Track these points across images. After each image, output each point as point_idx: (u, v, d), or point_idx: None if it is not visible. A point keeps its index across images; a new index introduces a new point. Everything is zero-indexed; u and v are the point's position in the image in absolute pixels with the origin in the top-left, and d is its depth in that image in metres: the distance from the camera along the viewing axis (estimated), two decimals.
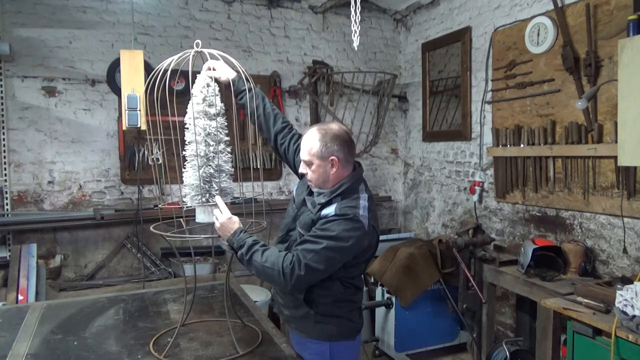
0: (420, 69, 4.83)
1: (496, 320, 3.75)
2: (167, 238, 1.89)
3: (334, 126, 1.85)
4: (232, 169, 1.90)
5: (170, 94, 1.78)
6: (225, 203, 1.85)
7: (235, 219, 1.82)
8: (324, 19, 4.82)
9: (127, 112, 3.08)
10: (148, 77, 1.86)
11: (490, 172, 3.94)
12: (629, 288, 2.13)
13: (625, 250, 2.90)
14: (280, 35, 4.65)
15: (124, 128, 3.16)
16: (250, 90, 2.00)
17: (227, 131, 1.88)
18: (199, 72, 1.91)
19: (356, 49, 2.48)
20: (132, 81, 3.11)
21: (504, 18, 3.75)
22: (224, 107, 1.88)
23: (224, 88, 2.00)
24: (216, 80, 1.92)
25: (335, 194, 1.82)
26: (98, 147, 4.06)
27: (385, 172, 5.22)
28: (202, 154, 1.81)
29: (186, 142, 1.84)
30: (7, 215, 3.75)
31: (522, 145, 3.51)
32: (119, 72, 3.33)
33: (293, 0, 4.66)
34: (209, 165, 1.82)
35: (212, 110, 1.84)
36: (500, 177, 3.77)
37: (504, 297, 3.85)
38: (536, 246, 2.98)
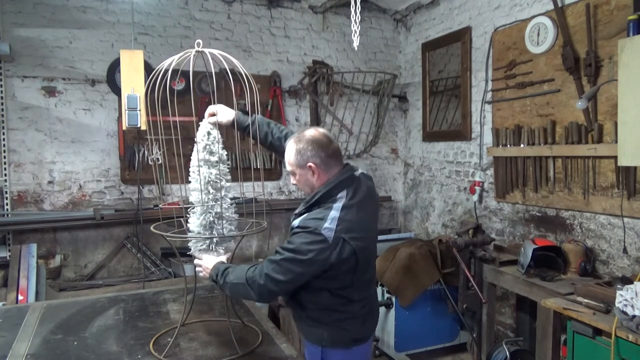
0: (420, 69, 4.83)
1: (496, 320, 3.75)
2: (167, 238, 1.90)
3: (308, 132, 1.81)
4: (234, 215, 1.94)
5: (170, 94, 1.79)
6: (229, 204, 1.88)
7: (213, 257, 1.87)
8: (324, 19, 4.82)
9: (127, 112, 3.08)
10: (148, 77, 1.86)
11: (490, 172, 3.94)
12: (629, 288, 2.13)
13: (625, 250, 2.90)
14: (280, 35, 4.65)
15: (124, 128, 3.16)
16: (254, 122, 2.03)
17: (228, 177, 1.92)
18: (200, 72, 1.92)
19: (356, 49, 2.49)
20: (132, 81, 3.11)
21: (504, 18, 3.75)
22: (225, 154, 1.93)
23: (225, 129, 2.07)
24: (219, 124, 1.97)
25: (309, 203, 1.80)
26: (98, 147, 4.06)
27: (385, 172, 5.22)
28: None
29: (189, 189, 1.89)
30: (7, 215, 3.74)
31: (522, 145, 3.51)
32: (119, 72, 3.32)
33: (293, 0, 4.66)
34: (209, 213, 1.85)
35: (214, 158, 1.87)
36: (500, 177, 3.77)
37: (504, 297, 3.85)
38: (536, 246, 2.98)
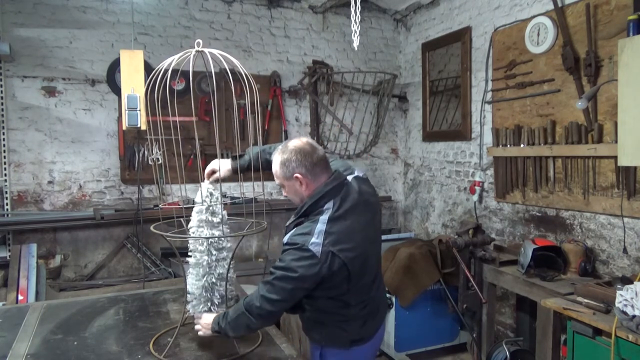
0: (420, 69, 4.83)
1: (496, 320, 3.75)
2: (167, 238, 1.90)
3: (291, 142, 1.80)
4: (234, 276, 1.94)
5: (170, 94, 1.79)
6: (226, 204, 1.88)
7: (211, 314, 1.86)
8: (324, 19, 4.81)
9: (127, 112, 3.08)
10: (148, 77, 1.86)
11: (490, 172, 3.94)
12: (629, 288, 2.13)
13: (625, 250, 2.90)
14: (280, 35, 4.65)
15: (124, 128, 3.16)
16: (252, 156, 2.06)
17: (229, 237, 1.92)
18: (200, 72, 1.93)
19: (356, 49, 2.48)
20: (132, 81, 3.11)
21: (504, 18, 3.75)
22: (227, 215, 1.93)
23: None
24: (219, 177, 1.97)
25: (298, 215, 1.80)
26: (98, 147, 4.06)
27: (385, 172, 5.22)
28: (204, 263, 1.85)
29: (189, 250, 1.89)
30: (7, 215, 3.74)
31: (522, 145, 3.51)
32: (119, 72, 3.33)
33: (293, 0, 4.66)
34: (211, 274, 1.86)
35: (216, 220, 1.87)
36: (500, 177, 3.77)
37: (504, 297, 3.85)
38: (536, 246, 2.98)
